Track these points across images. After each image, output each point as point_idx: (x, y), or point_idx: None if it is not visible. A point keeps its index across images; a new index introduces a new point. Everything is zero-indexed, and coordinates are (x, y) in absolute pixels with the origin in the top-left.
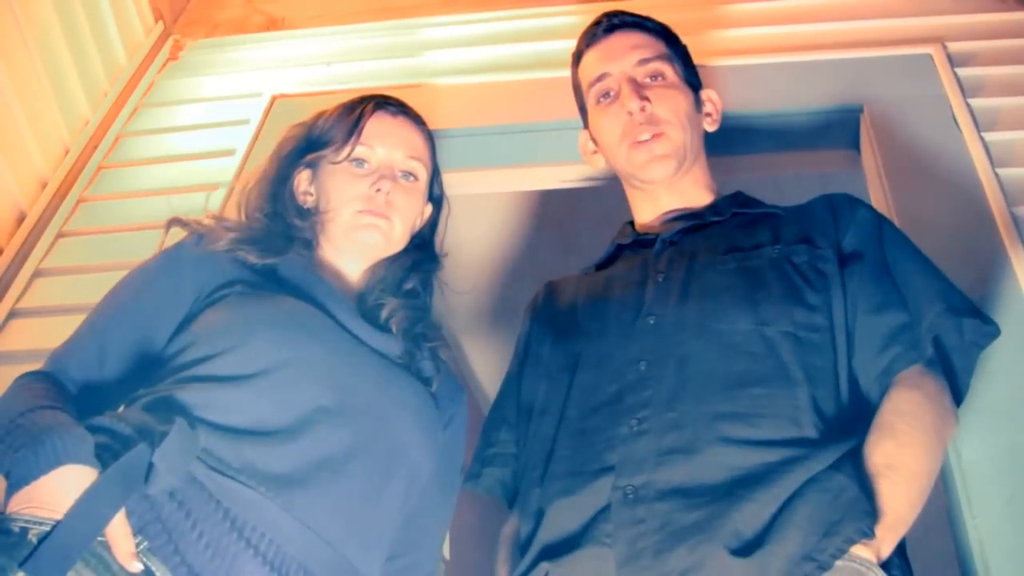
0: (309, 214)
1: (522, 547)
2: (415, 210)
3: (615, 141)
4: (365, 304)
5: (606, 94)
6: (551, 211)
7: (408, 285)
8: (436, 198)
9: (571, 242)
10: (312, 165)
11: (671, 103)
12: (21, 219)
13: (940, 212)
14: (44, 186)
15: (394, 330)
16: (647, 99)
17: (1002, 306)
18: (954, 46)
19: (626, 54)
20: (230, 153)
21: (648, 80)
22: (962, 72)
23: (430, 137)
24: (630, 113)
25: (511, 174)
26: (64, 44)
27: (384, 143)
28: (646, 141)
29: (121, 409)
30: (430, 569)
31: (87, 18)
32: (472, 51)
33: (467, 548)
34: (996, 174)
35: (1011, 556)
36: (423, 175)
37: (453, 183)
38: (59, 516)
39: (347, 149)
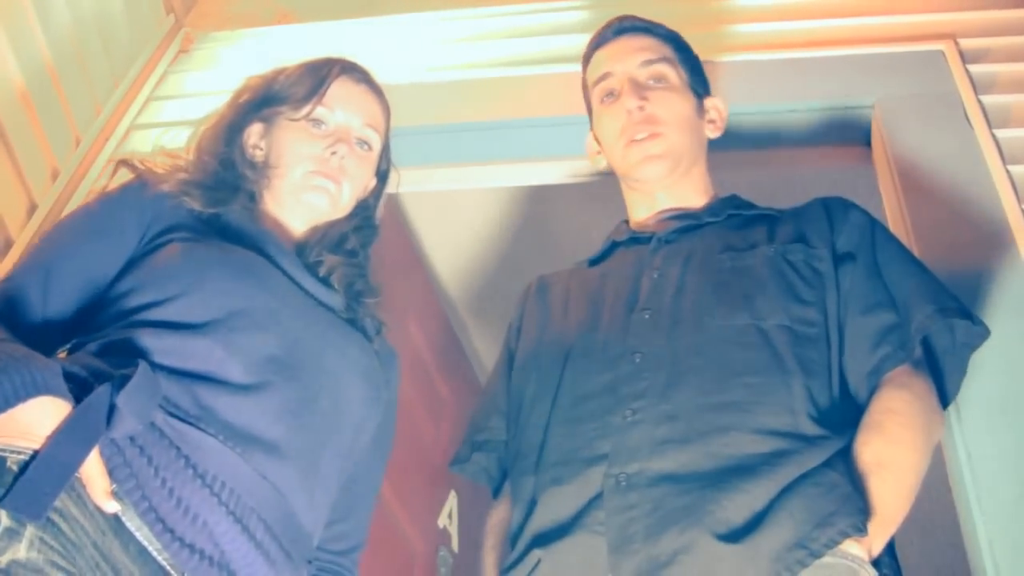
0: (257, 168)
1: (513, 535)
2: (364, 179)
3: (614, 139)
4: (305, 259)
5: (609, 93)
6: (551, 207)
7: (348, 245)
8: (383, 173)
9: (564, 241)
10: (267, 120)
11: (670, 105)
12: (32, 210)
13: (951, 209)
14: (55, 177)
15: (336, 286)
16: (646, 99)
17: (1011, 302)
18: (966, 43)
19: (630, 55)
20: None
21: (651, 82)
22: (974, 69)
23: (388, 110)
24: (628, 112)
25: (519, 169)
26: (75, 35)
27: (345, 108)
28: (641, 140)
29: (62, 354)
30: (361, 537)
31: (98, 9)
32: (482, 44)
33: (474, 542)
34: (1008, 171)
35: (1020, 553)
36: (377, 146)
37: (458, 178)
38: (36, 446)
39: (308, 107)
